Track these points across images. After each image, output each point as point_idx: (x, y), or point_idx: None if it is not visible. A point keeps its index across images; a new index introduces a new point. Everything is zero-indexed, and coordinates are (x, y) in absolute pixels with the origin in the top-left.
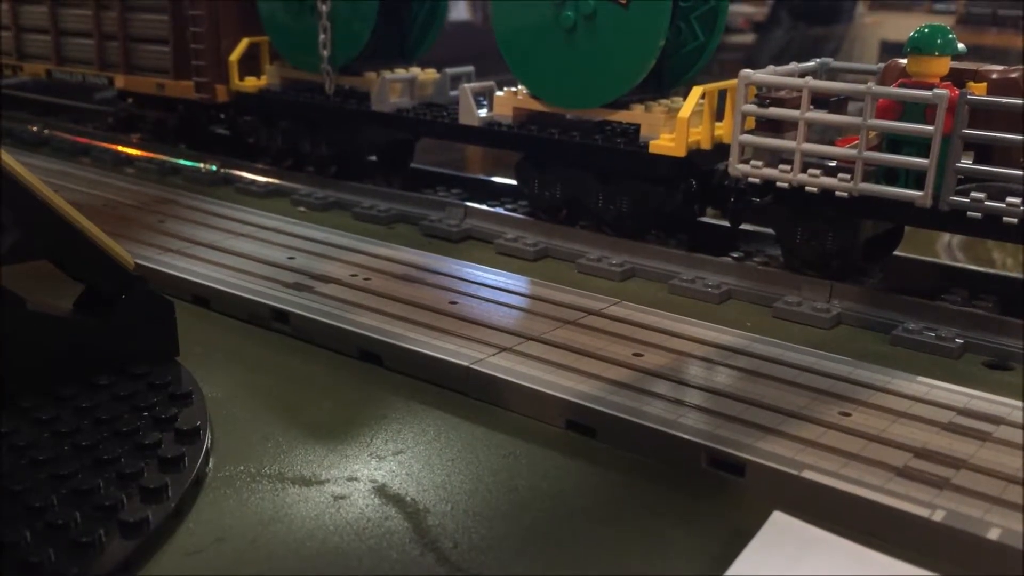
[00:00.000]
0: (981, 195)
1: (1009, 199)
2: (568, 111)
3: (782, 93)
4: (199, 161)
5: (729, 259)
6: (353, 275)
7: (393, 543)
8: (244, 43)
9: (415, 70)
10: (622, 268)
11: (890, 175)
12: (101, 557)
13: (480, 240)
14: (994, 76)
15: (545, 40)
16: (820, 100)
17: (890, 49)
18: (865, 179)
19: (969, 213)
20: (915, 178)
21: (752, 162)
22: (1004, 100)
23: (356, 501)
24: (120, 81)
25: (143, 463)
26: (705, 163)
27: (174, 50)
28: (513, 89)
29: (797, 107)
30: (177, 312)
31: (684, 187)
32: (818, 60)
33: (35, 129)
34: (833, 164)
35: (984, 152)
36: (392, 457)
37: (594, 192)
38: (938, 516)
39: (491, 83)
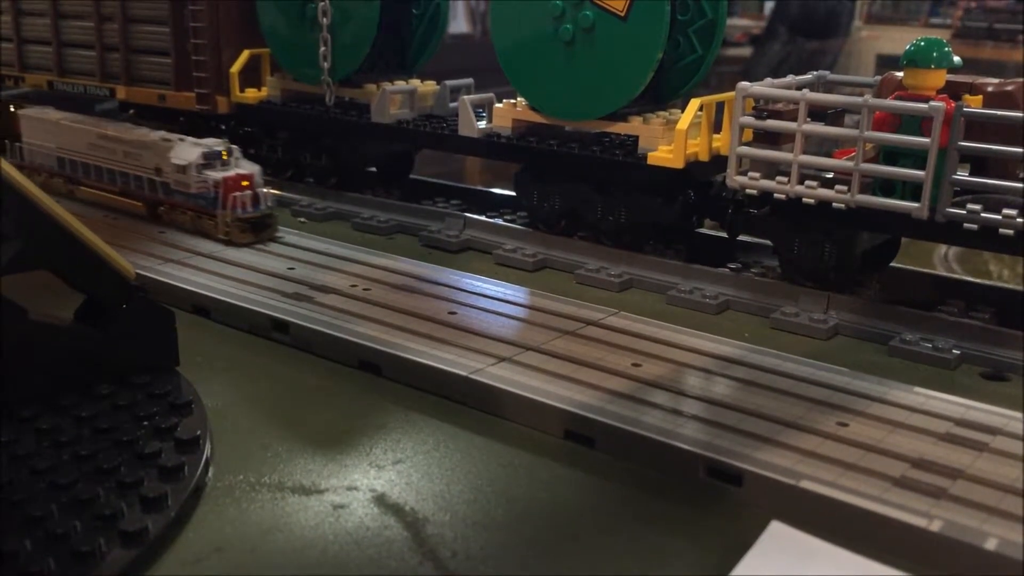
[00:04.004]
0: (977, 207)
1: (1005, 211)
2: (567, 123)
3: (779, 105)
4: None
5: (727, 270)
6: (353, 285)
7: (392, 552)
8: (245, 55)
9: (415, 82)
10: (620, 279)
11: (887, 187)
12: (101, 566)
13: (479, 251)
14: (990, 89)
15: (544, 53)
16: (817, 112)
17: (886, 63)
18: (862, 191)
19: (965, 225)
20: (912, 190)
21: (750, 174)
22: (1000, 113)
23: (355, 510)
24: (121, 92)
25: (143, 472)
26: (703, 175)
27: (175, 62)
28: (512, 101)
29: (794, 119)
30: (177, 322)
31: (682, 198)
32: (815, 73)
33: None
34: (830, 176)
35: (980, 164)
36: (391, 466)
37: (593, 203)
38: (935, 526)
39: (490, 95)
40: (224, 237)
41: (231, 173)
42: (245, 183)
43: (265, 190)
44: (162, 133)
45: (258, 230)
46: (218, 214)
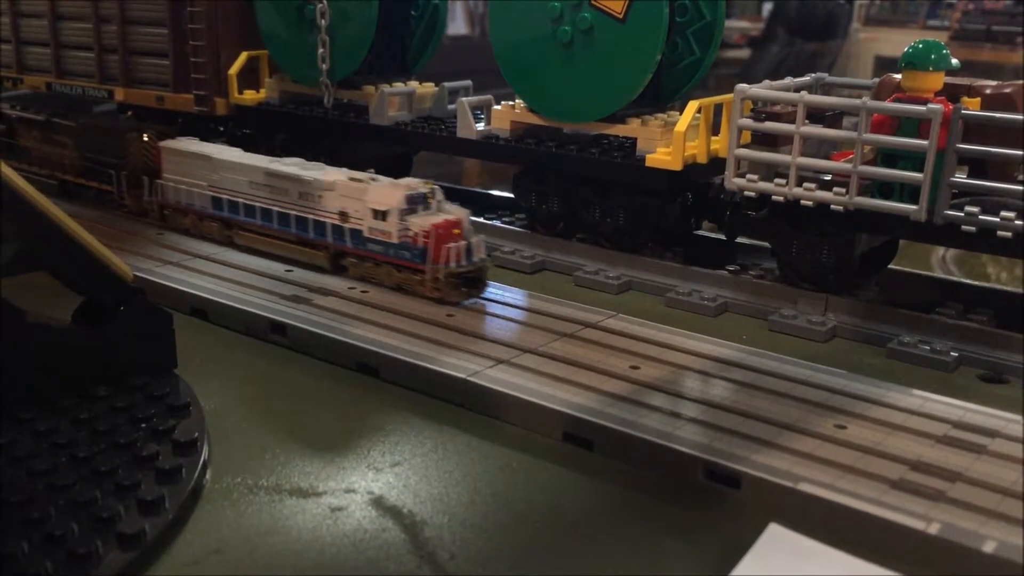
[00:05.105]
0: (975, 209)
1: (1003, 213)
2: (565, 125)
3: (778, 107)
4: None
5: (725, 272)
6: (351, 287)
7: (390, 555)
8: (243, 57)
9: (413, 84)
10: (619, 281)
11: (885, 189)
12: (98, 568)
13: None
14: (988, 91)
15: (543, 54)
16: (815, 115)
17: (885, 65)
18: (860, 193)
19: (963, 227)
20: (910, 192)
21: (748, 176)
22: (998, 115)
23: (353, 513)
24: (120, 94)
25: (141, 475)
26: (701, 177)
27: (174, 63)
28: (511, 103)
29: (793, 121)
30: (175, 324)
31: (680, 200)
32: (813, 75)
33: None
34: (828, 178)
35: (978, 166)
36: (389, 469)
37: (591, 205)
38: (934, 529)
39: (489, 97)
40: (433, 295)
41: (439, 219)
42: (456, 231)
43: (478, 238)
44: (347, 171)
45: (471, 286)
46: (427, 268)
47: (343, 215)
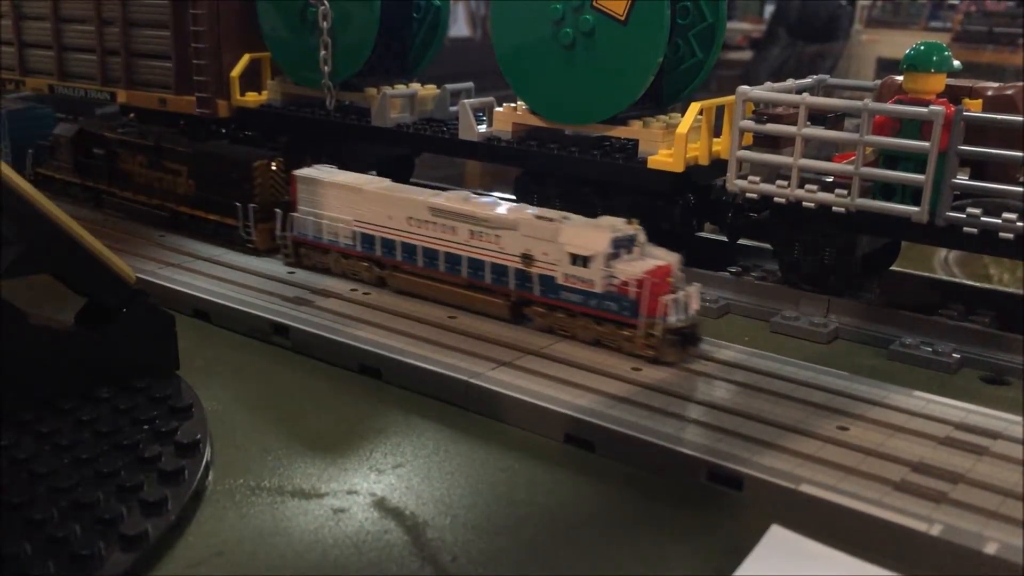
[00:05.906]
0: (977, 211)
1: (1005, 215)
2: (567, 127)
3: (779, 109)
4: None
5: (727, 274)
6: (353, 289)
7: (392, 556)
8: (245, 59)
9: (415, 86)
10: None
11: (887, 191)
12: (101, 570)
13: None
14: (989, 93)
15: (544, 57)
16: (817, 116)
17: (886, 66)
18: (862, 195)
19: (965, 228)
20: (911, 194)
21: (750, 177)
22: (1000, 117)
23: (355, 514)
24: (122, 96)
25: (143, 476)
26: (703, 178)
27: (176, 65)
28: (512, 105)
29: (794, 123)
30: (177, 326)
31: (682, 202)
32: (815, 77)
33: None
34: (830, 180)
35: (980, 168)
36: (391, 471)
37: (593, 207)
38: (935, 530)
39: (491, 99)
40: (646, 353)
41: (650, 266)
42: (669, 279)
43: (693, 287)
44: (532, 208)
45: (687, 344)
46: (640, 323)
47: (526, 258)
